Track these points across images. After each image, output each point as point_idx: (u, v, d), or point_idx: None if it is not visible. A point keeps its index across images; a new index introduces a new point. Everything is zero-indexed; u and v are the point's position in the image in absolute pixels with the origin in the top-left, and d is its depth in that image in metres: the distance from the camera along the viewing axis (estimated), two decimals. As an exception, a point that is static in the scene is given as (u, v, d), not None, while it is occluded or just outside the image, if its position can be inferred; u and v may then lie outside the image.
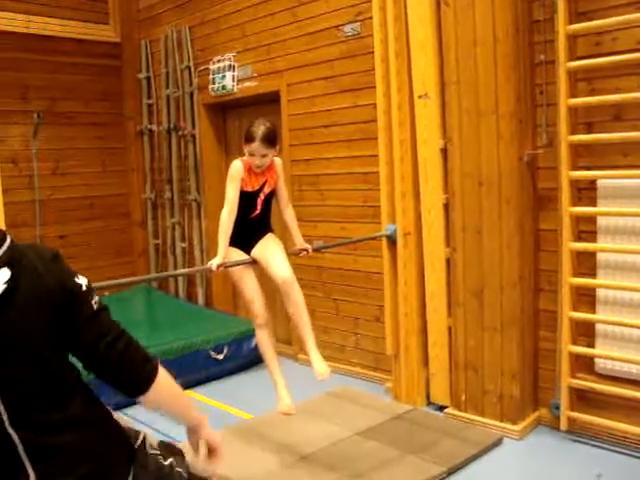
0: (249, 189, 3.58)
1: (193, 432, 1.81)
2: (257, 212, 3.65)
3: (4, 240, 1.40)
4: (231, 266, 3.60)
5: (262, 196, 3.64)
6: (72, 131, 6.91)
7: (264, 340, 3.73)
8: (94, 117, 7.09)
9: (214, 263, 3.48)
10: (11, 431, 1.44)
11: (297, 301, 3.61)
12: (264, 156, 3.51)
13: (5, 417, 1.42)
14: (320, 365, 3.59)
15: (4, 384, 1.41)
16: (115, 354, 1.60)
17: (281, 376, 3.74)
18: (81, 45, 6.90)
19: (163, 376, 1.68)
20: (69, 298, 1.50)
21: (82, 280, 1.60)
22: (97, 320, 1.59)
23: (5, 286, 1.32)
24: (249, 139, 3.48)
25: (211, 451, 1.81)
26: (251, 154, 3.49)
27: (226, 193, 3.57)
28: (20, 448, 1.45)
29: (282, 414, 3.67)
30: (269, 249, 3.66)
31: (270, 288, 3.86)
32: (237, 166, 3.55)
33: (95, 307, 1.59)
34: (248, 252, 3.69)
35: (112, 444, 1.61)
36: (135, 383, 1.64)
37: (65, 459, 1.49)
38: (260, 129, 3.48)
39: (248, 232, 3.67)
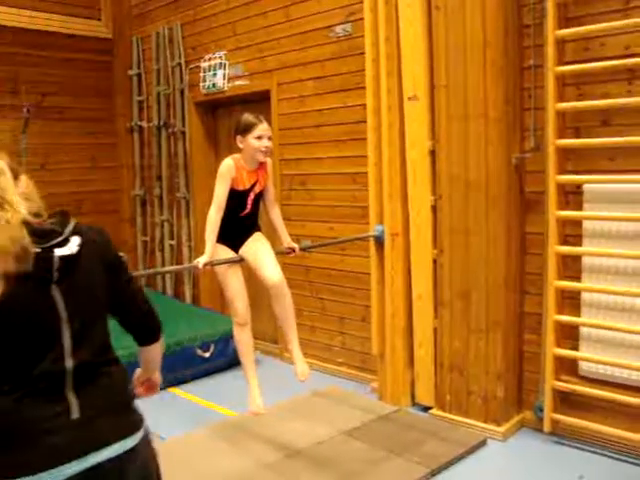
0: (240, 188, 3.58)
1: (146, 373, 2.23)
2: (247, 211, 3.66)
3: (70, 217, 1.89)
4: (218, 264, 3.60)
5: (252, 195, 3.64)
6: (62, 126, 6.89)
7: (242, 339, 3.75)
8: (84, 112, 7.07)
9: (201, 261, 3.48)
10: (68, 360, 1.71)
11: (285, 303, 3.64)
12: (270, 138, 3.56)
13: (68, 346, 1.71)
14: (302, 365, 3.65)
15: (74, 318, 1.73)
16: (146, 307, 2.05)
17: (255, 377, 3.76)
18: (72, 40, 6.89)
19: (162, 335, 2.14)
20: (115, 262, 1.93)
21: (121, 253, 2.02)
22: (133, 283, 2.03)
23: (78, 248, 1.77)
24: (250, 125, 3.51)
25: (151, 386, 2.29)
26: (259, 137, 3.50)
27: (215, 191, 3.57)
28: (69, 378, 1.71)
29: (252, 414, 3.71)
30: (259, 250, 3.66)
31: (255, 287, 3.87)
32: (229, 164, 3.55)
33: (130, 275, 2.02)
34: (236, 250, 3.70)
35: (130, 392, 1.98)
36: (154, 332, 2.09)
37: (102, 394, 1.79)
38: (257, 115, 3.55)
39: (237, 230, 3.67)
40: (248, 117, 3.54)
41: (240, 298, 3.68)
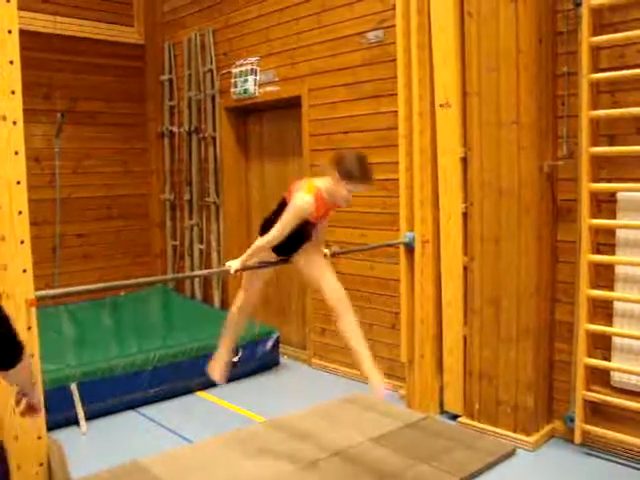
0: (312, 219, 3.42)
1: (23, 393, 2.12)
2: (309, 235, 3.54)
3: None
4: (250, 269, 3.60)
5: (318, 224, 3.54)
6: (94, 131, 6.98)
7: (233, 318, 3.84)
8: (116, 117, 7.16)
9: (233, 266, 3.47)
10: None
11: (351, 321, 3.51)
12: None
13: None
14: (377, 382, 3.44)
15: None
16: None
17: (228, 351, 3.89)
18: (105, 46, 6.98)
19: (25, 358, 1.98)
20: None
21: None
22: None
23: None
24: (356, 178, 3.24)
25: (31, 407, 2.14)
26: (351, 191, 3.27)
27: (285, 219, 3.32)
28: None
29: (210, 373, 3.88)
30: (319, 265, 3.55)
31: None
32: (309, 203, 3.30)
33: None
34: (284, 254, 3.60)
35: None
36: (6, 357, 1.91)
37: None
38: (369, 170, 3.31)
39: (293, 244, 3.53)
40: (358, 168, 3.24)
41: (250, 294, 3.74)
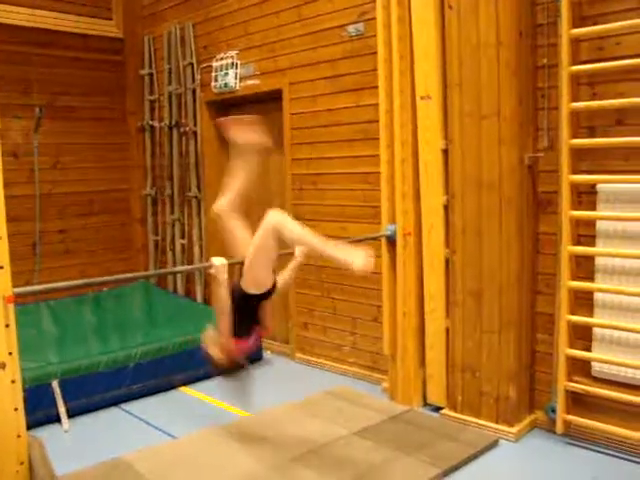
0: None
1: None
2: None
3: None
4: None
5: None
6: (73, 126, 6.92)
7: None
8: (96, 112, 7.10)
9: (216, 263, 3.40)
10: None
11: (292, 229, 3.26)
12: None
13: None
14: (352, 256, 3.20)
15: None
16: None
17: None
18: (84, 40, 6.91)
19: None
20: None
21: None
22: None
23: None
24: None
25: None
26: None
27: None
28: None
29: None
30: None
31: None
32: None
33: None
34: None
35: None
36: None
37: None
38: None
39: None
40: None
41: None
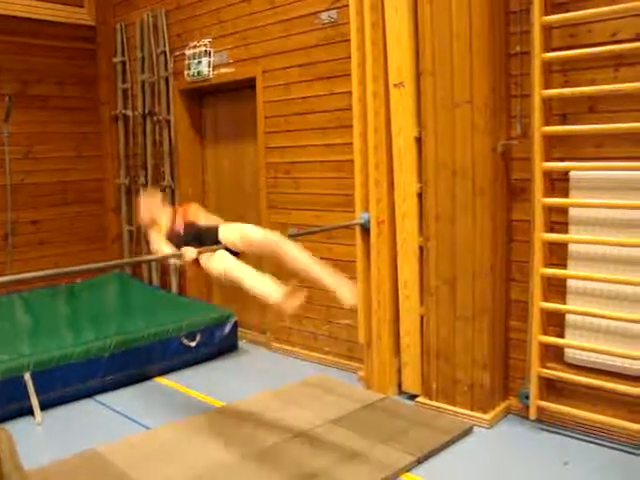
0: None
1: None
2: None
3: None
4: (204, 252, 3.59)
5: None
6: (45, 115, 6.84)
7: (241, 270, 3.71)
8: (68, 101, 7.01)
9: (188, 254, 3.51)
10: None
11: (294, 252, 3.67)
12: None
13: None
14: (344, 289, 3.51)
15: None
16: None
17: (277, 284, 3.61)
18: (55, 27, 6.81)
19: None
20: None
21: None
22: None
23: None
24: None
25: None
26: None
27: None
28: None
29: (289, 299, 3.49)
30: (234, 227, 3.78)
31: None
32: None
33: None
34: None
35: None
36: None
37: None
38: None
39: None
40: None
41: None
